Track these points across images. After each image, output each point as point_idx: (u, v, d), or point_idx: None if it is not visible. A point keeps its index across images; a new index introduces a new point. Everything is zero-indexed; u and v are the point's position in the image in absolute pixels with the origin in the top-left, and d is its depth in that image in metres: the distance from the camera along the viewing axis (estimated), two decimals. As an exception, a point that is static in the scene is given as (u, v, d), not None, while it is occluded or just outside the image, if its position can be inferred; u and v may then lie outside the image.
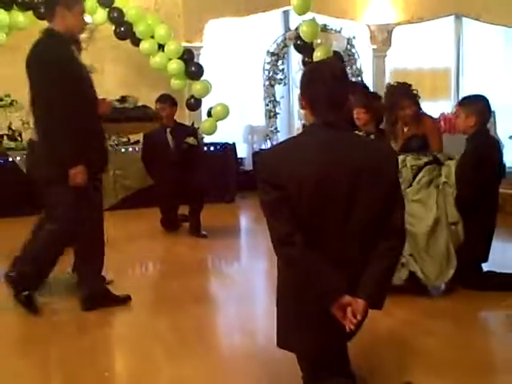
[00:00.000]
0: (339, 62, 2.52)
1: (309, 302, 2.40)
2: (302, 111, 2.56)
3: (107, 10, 7.49)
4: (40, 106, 3.59)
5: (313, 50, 7.88)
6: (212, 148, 8.02)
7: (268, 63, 9.01)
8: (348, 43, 9.14)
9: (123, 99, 6.94)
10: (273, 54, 8.99)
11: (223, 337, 3.48)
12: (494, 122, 8.76)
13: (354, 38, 9.14)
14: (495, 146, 4.29)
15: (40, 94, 3.57)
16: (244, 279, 4.65)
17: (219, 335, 3.50)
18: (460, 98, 5.63)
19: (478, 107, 4.17)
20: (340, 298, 2.32)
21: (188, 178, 5.79)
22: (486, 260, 4.23)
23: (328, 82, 2.40)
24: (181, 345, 3.36)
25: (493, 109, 9.00)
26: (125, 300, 3.97)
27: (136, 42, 7.72)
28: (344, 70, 2.53)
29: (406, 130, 4.51)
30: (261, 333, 3.58)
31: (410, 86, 4.57)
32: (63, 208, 3.71)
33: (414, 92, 4.52)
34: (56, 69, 3.53)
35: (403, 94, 4.48)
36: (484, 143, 4.16)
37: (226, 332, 3.56)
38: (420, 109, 4.53)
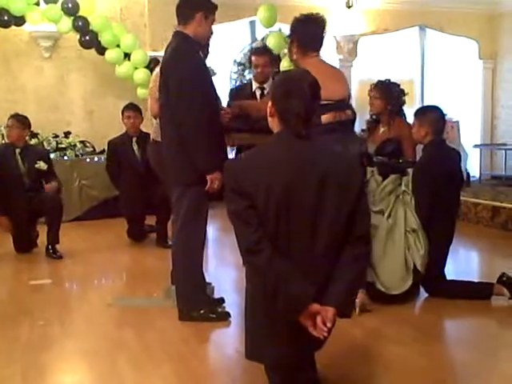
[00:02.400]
0: (310, 74, 2.53)
1: (278, 311, 2.39)
2: (269, 118, 2.54)
3: (72, 18, 7.41)
4: (180, 109, 3.58)
5: (279, 59, 7.92)
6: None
7: (235, 73, 9.02)
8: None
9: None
10: (239, 64, 9.01)
11: (190, 348, 3.44)
12: (458, 131, 8.93)
13: (319, 48, 9.20)
14: (450, 157, 4.33)
15: (181, 99, 3.58)
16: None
17: (185, 346, 3.46)
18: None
19: (429, 118, 4.22)
20: (309, 307, 2.32)
21: (154, 187, 5.75)
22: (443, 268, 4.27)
23: (306, 98, 2.41)
24: (147, 357, 3.31)
25: (457, 119, 9.23)
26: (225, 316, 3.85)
27: (101, 51, 7.66)
28: (317, 83, 2.52)
29: (381, 130, 4.55)
30: (229, 343, 3.56)
31: (395, 84, 4.61)
32: (190, 210, 3.72)
33: (394, 92, 4.55)
34: (195, 75, 3.61)
35: (376, 85, 4.56)
36: (436, 154, 4.20)
37: (192, 343, 3.52)
38: (395, 110, 4.54)
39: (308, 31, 3.90)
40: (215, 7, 3.78)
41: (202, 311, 3.78)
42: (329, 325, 2.31)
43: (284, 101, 2.44)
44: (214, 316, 3.81)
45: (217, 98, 3.89)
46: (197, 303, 3.80)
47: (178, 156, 3.71)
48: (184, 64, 3.63)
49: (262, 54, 5.06)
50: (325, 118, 3.85)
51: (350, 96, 4.02)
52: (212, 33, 3.84)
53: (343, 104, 3.86)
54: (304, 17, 3.96)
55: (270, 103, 2.50)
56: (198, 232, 3.82)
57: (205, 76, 3.75)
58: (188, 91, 3.56)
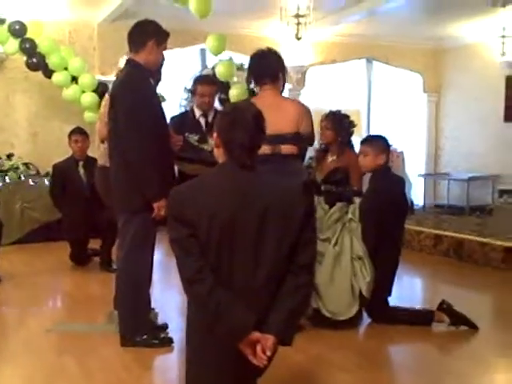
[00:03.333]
0: (255, 105, 2.57)
1: (218, 340, 2.37)
2: (215, 149, 2.53)
3: (19, 40, 7.31)
4: (128, 138, 3.56)
5: (229, 88, 7.98)
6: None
7: (185, 99, 9.02)
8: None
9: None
10: (189, 91, 9.01)
11: (132, 375, 3.37)
12: (403, 161, 9.14)
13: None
14: (397, 185, 4.42)
15: (129, 128, 3.55)
16: (155, 315, 4.53)
17: (128, 373, 3.39)
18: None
19: (384, 145, 4.32)
20: (248, 335, 2.31)
21: (99, 212, 5.66)
22: (390, 294, 4.32)
23: (250, 129, 2.41)
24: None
25: (402, 149, 9.46)
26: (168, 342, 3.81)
27: (48, 73, 7.57)
28: (261, 114, 2.53)
29: (329, 159, 4.61)
30: (172, 369, 3.50)
31: (345, 116, 4.69)
32: (136, 236, 3.69)
33: (345, 123, 4.63)
34: (145, 104, 3.58)
35: (328, 116, 4.64)
36: (382, 182, 4.28)
37: (135, 370, 3.45)
38: (345, 141, 4.62)
39: (261, 64, 4.01)
40: (167, 35, 3.80)
41: (144, 337, 3.72)
42: (268, 353, 2.30)
43: (228, 131, 2.44)
44: (157, 342, 3.75)
45: (166, 126, 3.87)
46: (139, 329, 3.74)
47: (124, 182, 3.68)
48: (133, 93, 3.61)
49: (209, 83, 5.09)
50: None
51: (299, 132, 3.93)
52: (164, 59, 3.85)
53: (279, 138, 3.83)
54: (259, 51, 4.08)
55: (215, 134, 2.50)
56: (144, 259, 3.77)
57: (154, 105, 3.74)
58: (137, 121, 3.55)
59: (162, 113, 3.81)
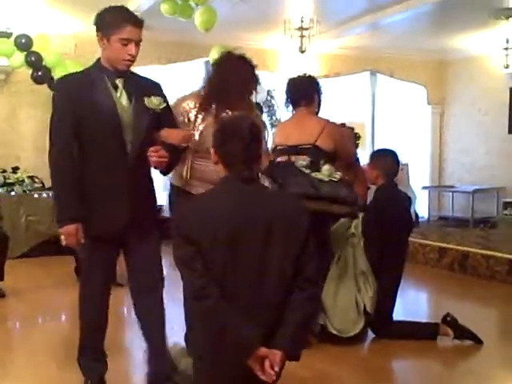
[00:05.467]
0: (250, 117, 2.54)
1: (225, 356, 2.36)
2: (215, 166, 2.49)
3: (25, 53, 7.35)
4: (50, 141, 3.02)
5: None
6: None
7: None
8: (268, 94, 9.33)
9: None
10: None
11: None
12: (407, 173, 9.14)
13: (273, 89, 9.34)
14: (399, 201, 4.40)
15: (50, 128, 3.02)
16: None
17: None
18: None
19: (382, 161, 4.32)
20: (256, 351, 2.31)
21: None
22: (393, 309, 4.30)
23: (245, 138, 2.40)
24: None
25: (406, 161, 9.45)
26: None
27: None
28: (259, 125, 2.54)
29: None
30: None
31: (350, 128, 4.70)
32: (82, 269, 3.36)
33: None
34: (59, 104, 3.01)
35: None
36: (386, 198, 4.27)
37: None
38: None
39: (296, 89, 4.26)
40: (117, 23, 2.90)
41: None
42: (276, 369, 2.30)
43: (223, 145, 2.44)
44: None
45: (108, 139, 3.00)
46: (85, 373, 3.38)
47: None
48: (59, 95, 3.08)
49: None
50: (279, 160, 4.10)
51: (317, 146, 4.00)
52: (131, 55, 2.93)
53: (293, 149, 4.02)
54: (295, 77, 4.39)
55: (212, 150, 2.50)
56: (85, 297, 3.31)
57: (78, 109, 2.97)
58: (56, 125, 3.01)
59: (103, 123, 2.97)
